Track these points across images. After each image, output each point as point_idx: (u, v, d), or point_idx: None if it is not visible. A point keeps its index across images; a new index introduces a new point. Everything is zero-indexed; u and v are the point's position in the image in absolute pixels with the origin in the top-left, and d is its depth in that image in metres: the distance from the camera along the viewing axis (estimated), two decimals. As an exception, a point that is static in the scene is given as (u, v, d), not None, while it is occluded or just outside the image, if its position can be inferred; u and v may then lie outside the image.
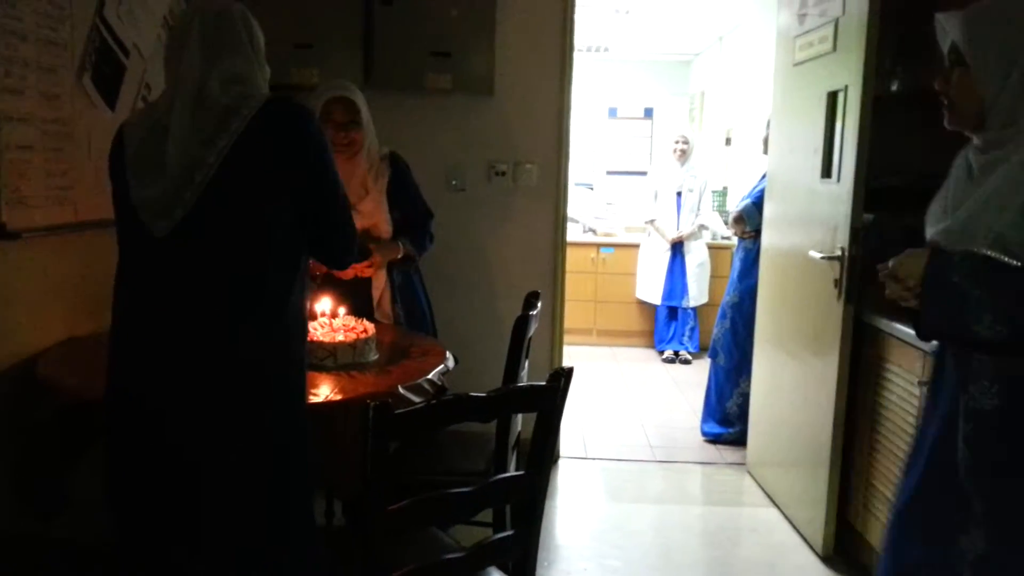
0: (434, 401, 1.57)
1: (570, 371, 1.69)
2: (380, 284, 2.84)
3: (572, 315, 6.04)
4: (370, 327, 2.38)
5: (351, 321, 2.42)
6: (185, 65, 1.61)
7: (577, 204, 7.17)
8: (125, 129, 1.68)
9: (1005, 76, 1.51)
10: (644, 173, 7.87)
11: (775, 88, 3.56)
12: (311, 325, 2.35)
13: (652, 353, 6.03)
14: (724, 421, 4.15)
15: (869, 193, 2.90)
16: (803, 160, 3.18)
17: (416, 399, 2.10)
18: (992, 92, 1.53)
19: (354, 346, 2.29)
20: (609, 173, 8.39)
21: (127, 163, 1.63)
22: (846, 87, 2.84)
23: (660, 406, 4.82)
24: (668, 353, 5.90)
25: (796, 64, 3.29)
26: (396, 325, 2.81)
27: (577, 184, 7.76)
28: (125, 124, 1.70)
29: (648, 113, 8.49)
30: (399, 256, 2.83)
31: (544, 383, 1.66)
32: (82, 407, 1.94)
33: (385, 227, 2.83)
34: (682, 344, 5.86)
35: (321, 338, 2.29)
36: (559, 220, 3.68)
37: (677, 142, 5.74)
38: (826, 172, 2.99)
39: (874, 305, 2.86)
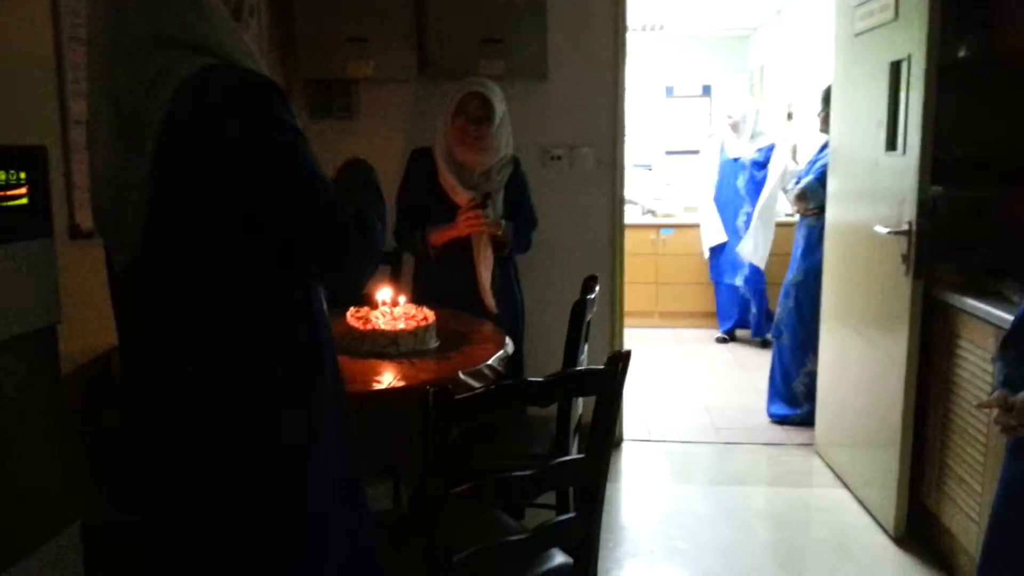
0: (493, 386, 1.58)
1: (628, 354, 1.69)
2: (486, 269, 2.89)
3: (633, 297, 5.99)
4: (430, 315, 2.42)
5: (411, 309, 2.46)
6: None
7: (635, 186, 7.12)
8: None
9: None
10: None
11: (836, 59, 3.47)
12: (373, 314, 2.40)
13: (715, 334, 5.95)
14: (791, 401, 4.08)
15: (936, 165, 2.82)
16: (866, 133, 3.10)
17: (476, 384, 2.13)
18: None
19: (415, 333, 2.32)
20: (668, 153, 8.28)
21: None
22: (909, 56, 2.75)
23: (725, 388, 4.77)
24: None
25: (857, 34, 3.20)
26: (488, 317, 2.83)
27: (635, 165, 7.70)
28: None
29: (706, 91, 8.34)
30: (499, 232, 2.87)
31: (602, 367, 1.66)
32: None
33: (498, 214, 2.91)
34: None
35: (383, 326, 2.33)
36: (616, 203, 3.66)
37: (729, 116, 5.61)
38: (891, 144, 2.91)
39: (944, 279, 2.78)
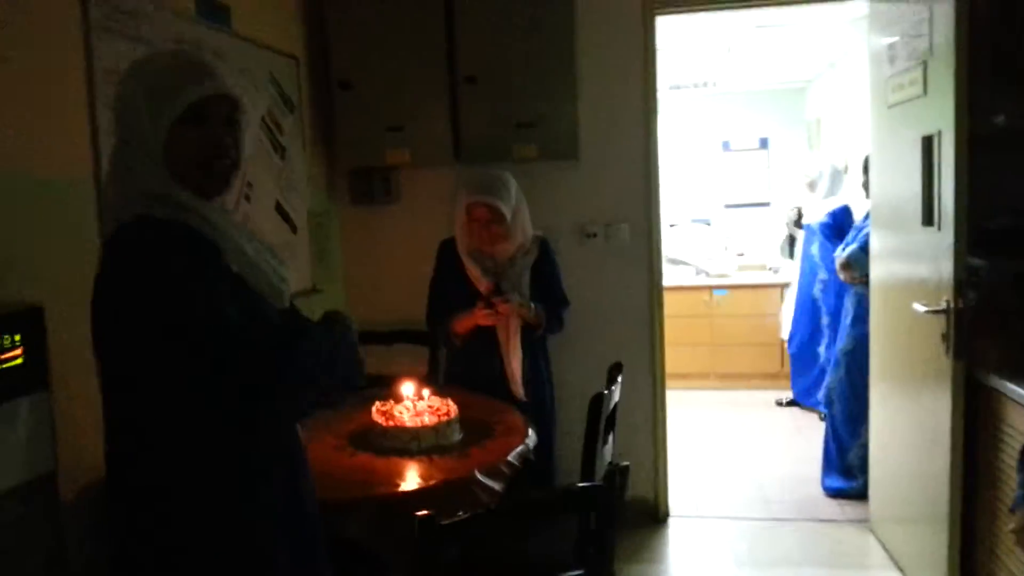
0: (480, 512, 1.59)
1: (626, 469, 1.69)
2: (515, 356, 2.91)
3: (687, 359, 5.96)
4: (453, 408, 2.45)
5: (436, 401, 2.50)
6: None
7: (690, 244, 7.08)
8: None
9: None
10: (766, 204, 7.68)
11: (872, 129, 3.42)
12: (396, 408, 2.45)
13: (773, 397, 5.80)
14: (846, 474, 3.95)
15: (981, 235, 2.74)
16: (904, 206, 3.03)
17: (494, 485, 2.15)
18: None
19: (436, 429, 2.36)
20: (727, 207, 8.21)
21: None
22: (940, 132, 2.70)
23: (780, 456, 4.64)
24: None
25: (890, 106, 3.15)
26: (515, 403, 2.85)
27: (693, 221, 7.66)
28: None
29: (763, 143, 8.26)
30: (528, 313, 2.90)
31: (599, 483, 1.66)
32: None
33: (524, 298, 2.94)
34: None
35: (407, 421, 2.37)
36: (654, 277, 3.66)
37: (805, 175, 5.30)
38: (927, 219, 2.84)
39: (988, 359, 2.68)
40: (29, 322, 1.30)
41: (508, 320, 2.86)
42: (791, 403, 5.60)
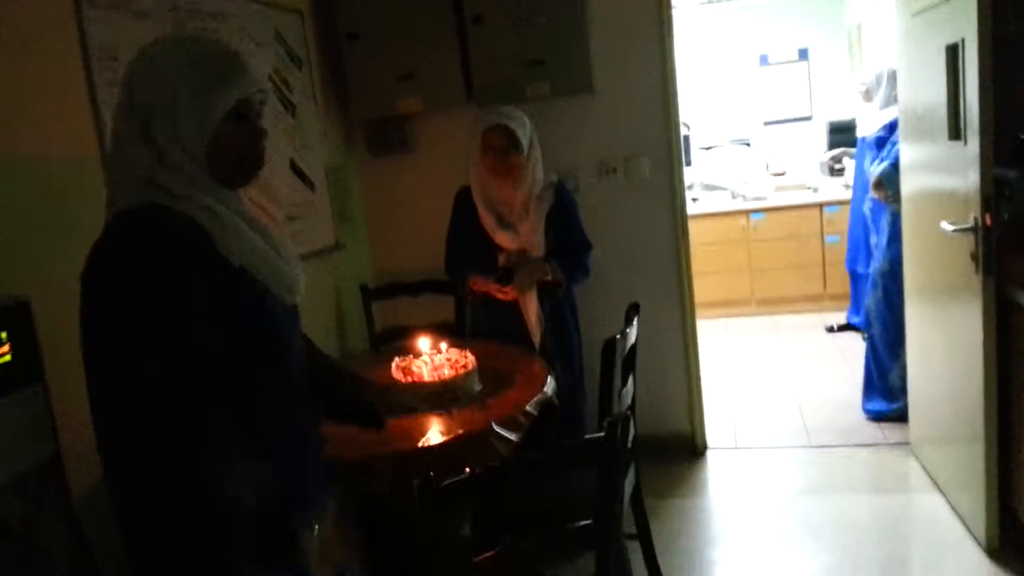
0: (478, 472, 1.59)
1: (627, 418, 1.68)
2: (532, 310, 2.91)
3: (727, 286, 5.89)
4: (471, 360, 2.46)
5: (455, 354, 2.51)
6: None
7: (728, 167, 6.91)
8: None
9: None
10: (807, 118, 7.43)
11: (898, 39, 3.25)
12: (415, 363, 2.47)
13: (817, 320, 5.71)
14: (888, 396, 3.89)
15: (1017, 147, 2.62)
16: (930, 120, 2.90)
17: (511, 436, 2.17)
18: None
19: (455, 382, 2.38)
20: (767, 124, 7.96)
21: None
22: (963, 40, 2.56)
23: (821, 382, 4.58)
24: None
25: (914, 14, 2.99)
26: (541, 353, 2.86)
27: (732, 141, 7.46)
28: None
29: (803, 54, 7.93)
30: (547, 277, 2.88)
31: (600, 434, 1.66)
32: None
33: (538, 251, 2.91)
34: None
35: (426, 375, 2.40)
36: (676, 208, 3.58)
37: (861, 83, 4.99)
38: (954, 134, 2.72)
39: (1020, 276, 2.58)
40: (16, 317, 1.33)
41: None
42: (844, 327, 5.49)
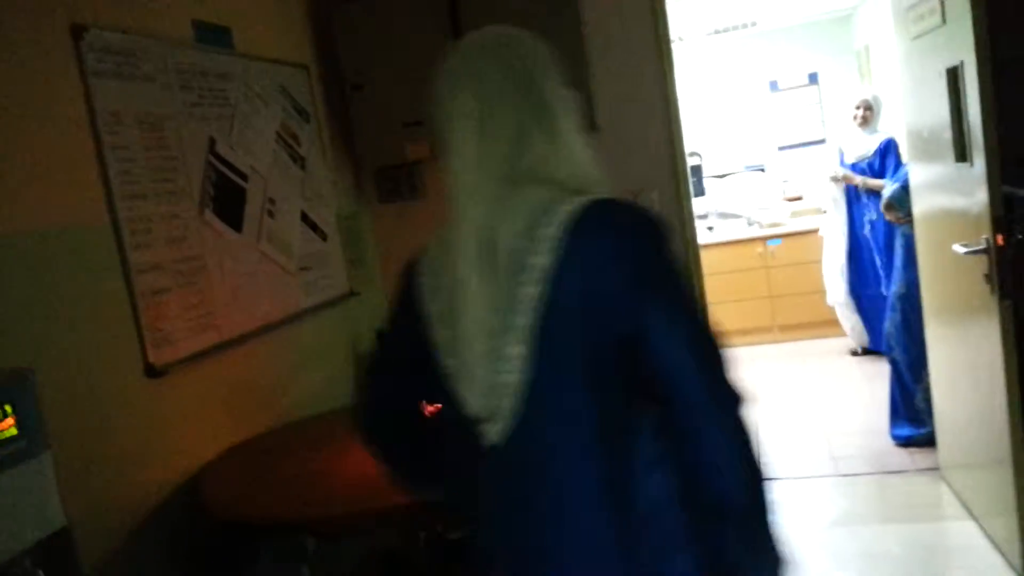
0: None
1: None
2: None
3: (747, 314, 5.85)
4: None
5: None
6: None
7: (744, 193, 6.90)
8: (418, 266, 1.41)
9: None
10: (820, 142, 7.42)
11: (899, 62, 3.25)
12: (427, 410, 2.47)
13: (841, 344, 5.64)
14: (914, 421, 3.82)
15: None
16: (936, 143, 2.89)
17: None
18: None
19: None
20: (780, 149, 7.96)
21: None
22: (962, 63, 2.56)
23: (847, 408, 4.52)
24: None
25: (913, 38, 3.00)
26: None
27: (747, 168, 7.45)
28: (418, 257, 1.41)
29: (813, 79, 7.94)
30: None
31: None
32: (238, 523, 2.16)
33: None
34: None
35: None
36: (688, 239, 3.58)
37: (858, 107, 5.04)
38: (960, 155, 2.70)
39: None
40: (20, 390, 1.35)
41: None
42: (868, 351, 5.42)
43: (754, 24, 7.48)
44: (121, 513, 2.23)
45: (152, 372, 2.40)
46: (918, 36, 2.93)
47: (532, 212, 1.17)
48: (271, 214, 3.07)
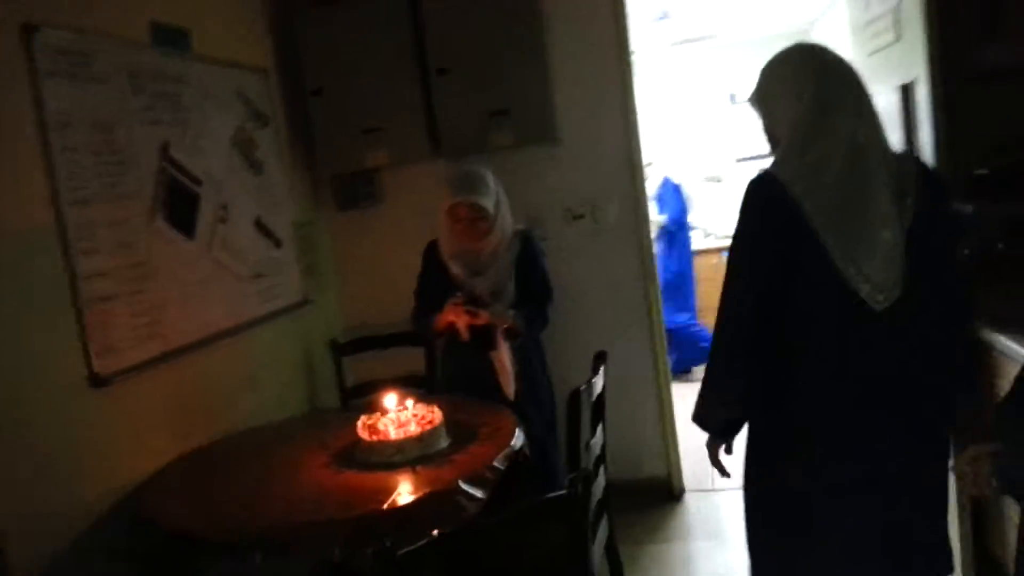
0: (437, 536, 1.56)
1: (589, 475, 1.66)
2: (506, 358, 2.89)
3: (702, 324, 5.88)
4: (438, 415, 2.43)
5: (421, 410, 2.48)
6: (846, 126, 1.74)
7: (701, 204, 6.97)
8: (796, 190, 1.74)
9: None
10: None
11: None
12: (381, 421, 2.44)
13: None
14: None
15: (972, 182, 2.64)
16: (891, 158, 2.94)
17: (478, 493, 2.13)
18: None
19: (421, 439, 2.35)
20: (738, 161, 8.05)
21: (819, 230, 1.73)
22: (915, 80, 2.60)
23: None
24: None
25: (869, 54, 3.05)
26: (515, 404, 2.83)
27: (706, 179, 7.52)
28: (787, 184, 1.75)
29: (771, 92, 8.07)
30: (505, 325, 2.86)
31: (561, 491, 1.64)
32: (184, 536, 2.09)
33: (508, 297, 2.92)
34: None
35: (392, 433, 2.37)
36: (644, 252, 3.60)
37: None
38: (911, 171, 2.75)
39: (983, 312, 2.59)
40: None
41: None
42: None
43: (713, 37, 7.56)
44: (60, 524, 2.18)
45: (96, 381, 2.35)
46: (874, 52, 2.98)
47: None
48: (224, 220, 3.02)
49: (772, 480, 1.93)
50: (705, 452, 2.03)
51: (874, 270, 1.71)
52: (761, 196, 1.80)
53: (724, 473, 2.07)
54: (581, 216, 3.60)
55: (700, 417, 1.99)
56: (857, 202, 1.73)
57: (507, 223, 2.94)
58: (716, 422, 2.00)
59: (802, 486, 1.85)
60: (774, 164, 1.86)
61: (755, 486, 2.00)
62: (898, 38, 2.70)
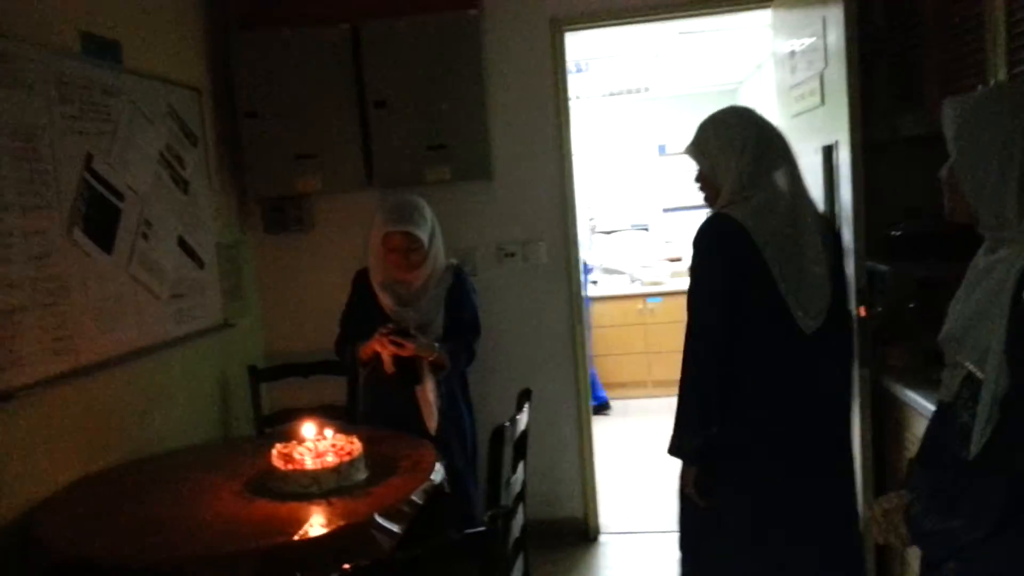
0: (350, 567, 1.53)
1: (510, 511, 1.65)
2: (430, 391, 2.87)
3: (624, 368, 5.98)
4: (357, 446, 2.39)
5: (340, 440, 2.44)
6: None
7: (628, 251, 7.09)
8: (748, 224, 2.10)
9: (990, 175, 1.39)
10: (703, 207, 7.73)
11: (780, 138, 3.43)
12: (297, 450, 2.38)
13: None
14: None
15: (887, 242, 2.75)
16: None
17: (393, 528, 2.10)
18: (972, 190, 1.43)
19: (338, 470, 2.30)
20: (665, 211, 8.24)
21: (769, 261, 2.08)
22: (837, 142, 2.72)
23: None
24: None
25: (794, 116, 3.17)
26: (430, 438, 2.80)
27: (633, 226, 7.67)
28: (741, 221, 2.11)
29: (699, 146, 8.32)
30: (431, 358, 2.83)
31: (481, 528, 1.62)
32: (79, 565, 1.99)
33: (437, 329, 2.90)
34: None
35: (308, 463, 2.31)
36: (572, 293, 3.64)
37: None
38: (832, 228, 2.85)
39: (893, 366, 2.70)
40: None
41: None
42: None
43: (647, 89, 7.78)
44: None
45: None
46: (798, 114, 3.11)
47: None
48: (146, 237, 2.93)
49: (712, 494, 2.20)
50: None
51: (807, 299, 2.07)
52: (717, 231, 2.13)
53: (703, 497, 2.22)
54: (512, 254, 3.63)
55: (677, 447, 2.23)
56: (795, 242, 2.09)
57: (440, 255, 2.94)
58: (693, 449, 2.20)
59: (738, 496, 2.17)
60: (724, 207, 2.18)
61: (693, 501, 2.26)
62: (823, 102, 2.82)
